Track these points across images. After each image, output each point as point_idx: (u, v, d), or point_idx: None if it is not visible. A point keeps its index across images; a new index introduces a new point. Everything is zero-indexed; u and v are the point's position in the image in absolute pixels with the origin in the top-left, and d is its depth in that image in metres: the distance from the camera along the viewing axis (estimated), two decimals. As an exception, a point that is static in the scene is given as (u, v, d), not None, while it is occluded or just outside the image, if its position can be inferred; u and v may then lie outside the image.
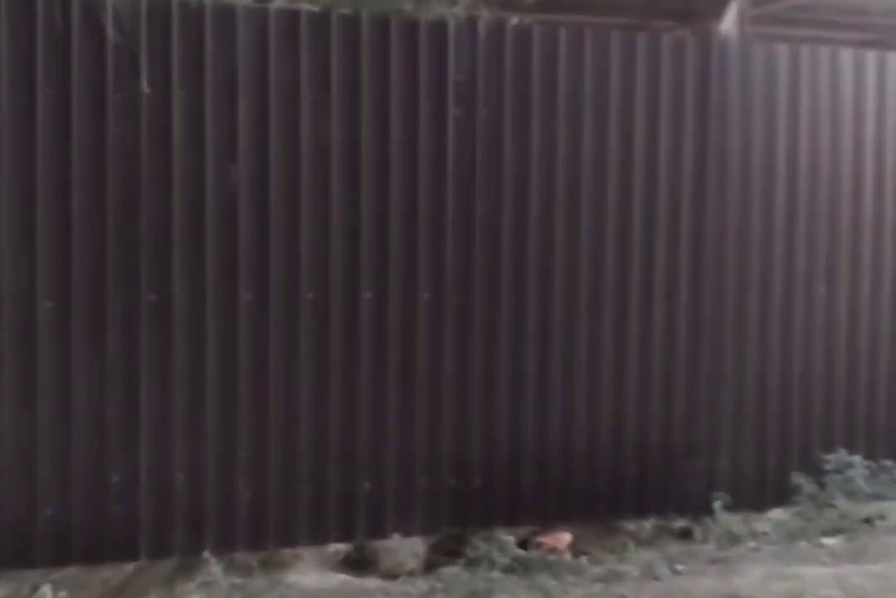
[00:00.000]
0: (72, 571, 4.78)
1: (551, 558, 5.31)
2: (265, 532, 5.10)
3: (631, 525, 5.74)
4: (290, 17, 5.16)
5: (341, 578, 5.05)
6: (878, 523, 5.72)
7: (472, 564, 5.19)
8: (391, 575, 5.14)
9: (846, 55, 6.42)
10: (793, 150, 6.23)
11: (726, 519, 5.72)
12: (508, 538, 5.34)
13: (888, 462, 6.15)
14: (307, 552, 5.12)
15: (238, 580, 4.81)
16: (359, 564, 5.21)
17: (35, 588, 4.61)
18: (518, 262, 5.61)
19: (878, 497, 5.95)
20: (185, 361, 5.00)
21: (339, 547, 5.24)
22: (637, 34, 5.98)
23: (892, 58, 6.60)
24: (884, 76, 6.46)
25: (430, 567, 5.21)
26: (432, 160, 5.43)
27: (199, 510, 4.99)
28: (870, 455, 6.16)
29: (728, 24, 6.04)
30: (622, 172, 5.83)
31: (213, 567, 4.81)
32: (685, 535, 5.78)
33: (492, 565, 5.16)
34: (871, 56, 6.51)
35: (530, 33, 5.65)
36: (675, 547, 5.54)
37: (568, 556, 5.38)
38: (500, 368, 5.58)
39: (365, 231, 5.31)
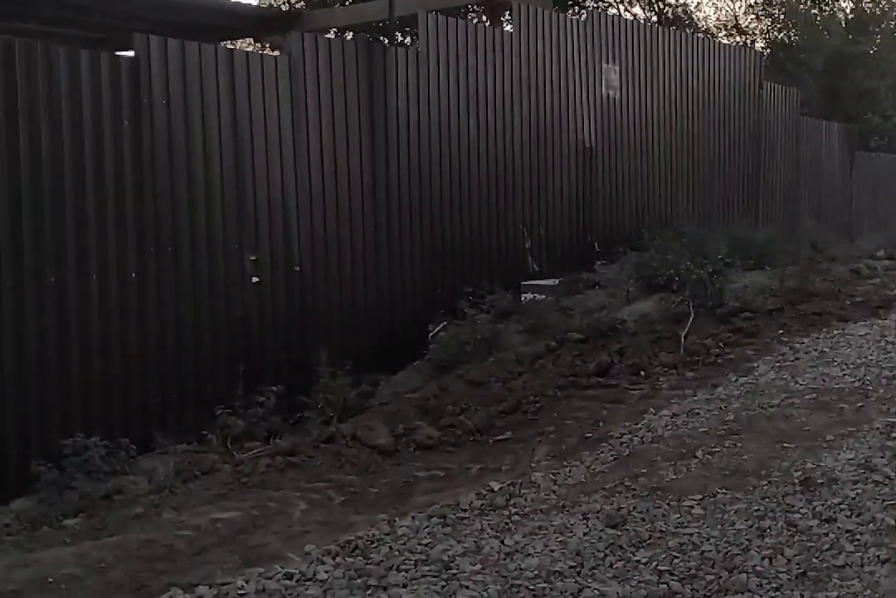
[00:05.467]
0: None
1: None
2: None
3: None
4: None
5: None
6: (116, 498, 6.12)
7: None
8: None
9: (60, 51, 6.66)
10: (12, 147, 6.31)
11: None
12: None
13: (125, 440, 6.56)
14: None
15: None
16: None
17: None
18: None
19: (116, 474, 6.34)
20: None
21: None
22: None
23: (106, 57, 7.01)
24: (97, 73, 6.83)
25: None
26: None
27: None
28: (108, 435, 6.52)
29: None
30: None
31: None
32: (-77, 540, 5.58)
33: None
34: (85, 54, 6.85)
35: None
36: (-88, 555, 5.32)
37: None
38: None
39: None
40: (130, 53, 7.34)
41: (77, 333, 6.66)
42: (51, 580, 4.78)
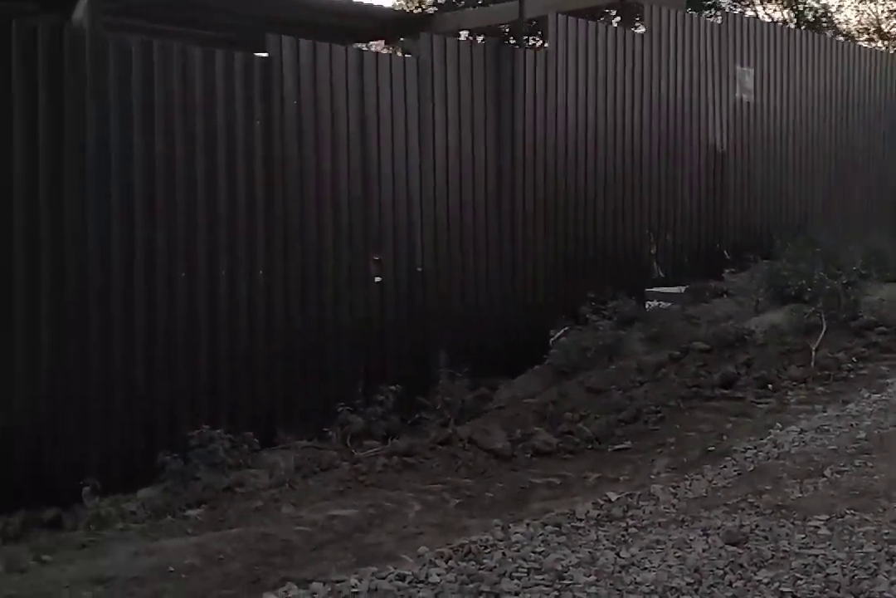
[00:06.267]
0: None
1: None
2: None
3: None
4: None
5: None
6: (238, 490, 6.24)
7: None
8: None
9: (196, 51, 6.84)
10: (149, 144, 6.51)
11: (96, 503, 5.84)
12: None
13: (248, 433, 6.68)
14: None
15: None
16: None
17: None
18: None
19: (239, 467, 6.47)
20: None
21: None
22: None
23: (240, 57, 7.18)
24: (231, 73, 6.99)
25: None
26: None
27: None
28: (232, 429, 6.66)
29: (81, 12, 6.08)
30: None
31: None
32: (55, 524, 5.81)
33: None
34: (219, 54, 7.02)
35: None
36: (44, 538, 5.54)
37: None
38: None
39: None
40: (263, 54, 7.50)
41: (206, 329, 6.83)
42: (172, 569, 4.90)
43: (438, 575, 4.41)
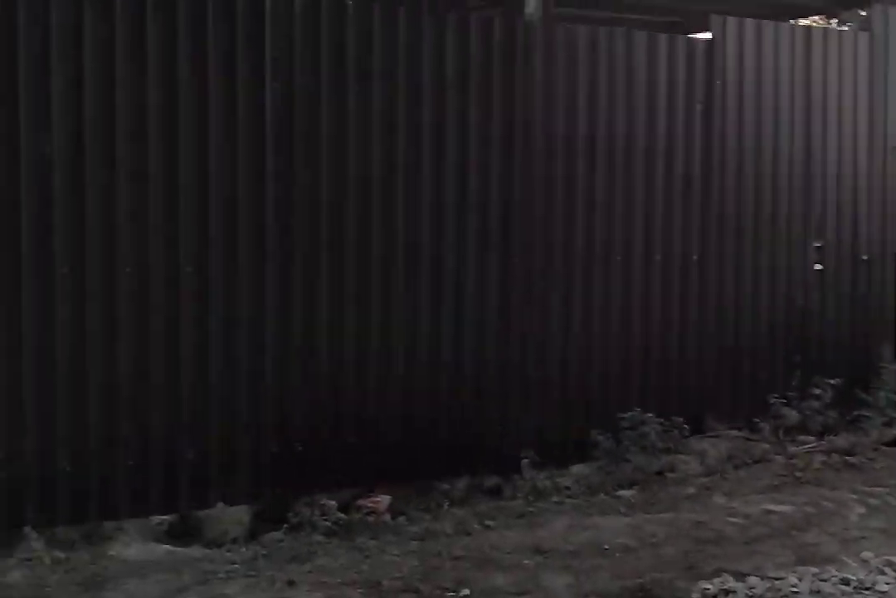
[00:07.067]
0: None
1: (371, 520, 5.56)
2: (86, 506, 5.13)
3: (445, 485, 6.05)
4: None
5: (165, 548, 5.14)
6: (668, 475, 6.27)
7: (294, 529, 5.38)
8: (216, 544, 5.25)
9: (640, 37, 6.88)
10: (591, 128, 6.66)
11: (533, 476, 6.12)
12: (330, 502, 5.55)
13: (678, 419, 6.67)
14: (130, 524, 5.17)
15: (60, 555, 4.82)
16: (183, 533, 5.30)
17: None
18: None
19: (668, 451, 6.49)
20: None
21: (162, 518, 5.31)
22: (448, 13, 6.23)
23: (683, 40, 7.12)
24: (674, 56, 6.95)
25: (254, 535, 5.37)
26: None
27: (19, 484, 4.97)
28: (662, 413, 6.68)
29: (533, 4, 6.35)
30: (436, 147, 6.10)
31: (34, 542, 4.80)
32: (495, 492, 6.16)
33: (314, 529, 5.36)
34: (662, 38, 7.01)
35: (345, 9, 5.78)
36: (486, 504, 5.90)
37: (387, 517, 5.64)
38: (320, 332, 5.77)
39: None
40: (705, 35, 7.39)
41: (638, 314, 6.86)
42: (606, 547, 5.04)
43: (887, 584, 4.17)
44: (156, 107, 5.25)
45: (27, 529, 4.86)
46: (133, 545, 5.06)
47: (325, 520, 5.42)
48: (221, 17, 5.39)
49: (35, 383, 5.01)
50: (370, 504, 5.73)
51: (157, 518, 5.31)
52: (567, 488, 6.11)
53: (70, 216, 5.07)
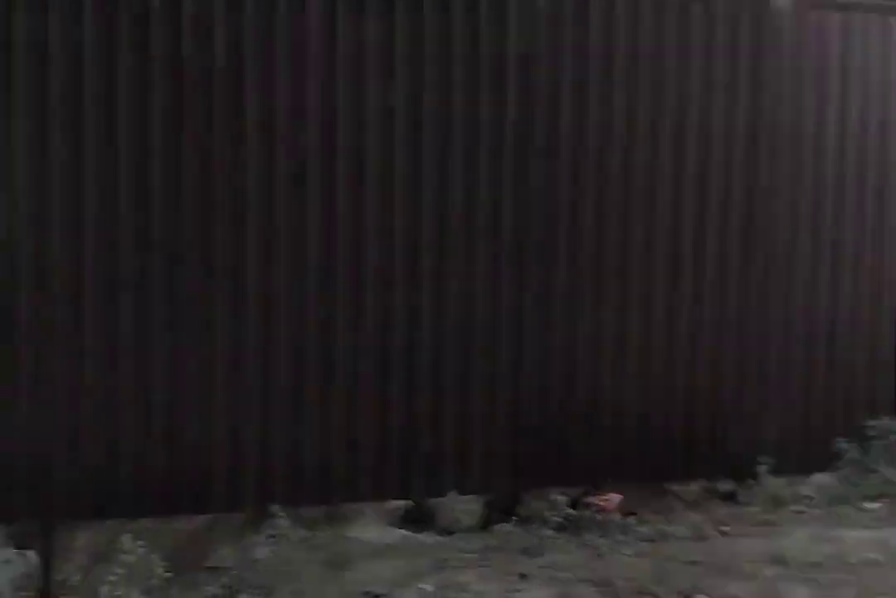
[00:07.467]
0: (147, 522, 5.01)
1: (600, 518, 5.51)
2: (330, 488, 5.34)
3: (678, 487, 5.92)
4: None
5: (400, 533, 5.29)
6: (919, 489, 5.89)
7: (524, 522, 5.42)
8: (448, 531, 5.37)
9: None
10: (843, 118, 6.32)
11: (771, 483, 5.89)
12: (561, 497, 5.54)
13: (931, 430, 6.26)
14: (369, 508, 5.35)
15: (304, 533, 5.04)
16: (417, 520, 5.44)
17: (114, 538, 4.84)
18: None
19: (919, 464, 6.10)
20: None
21: (398, 504, 5.46)
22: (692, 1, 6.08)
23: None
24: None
25: (485, 524, 5.44)
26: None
27: (269, 465, 5.24)
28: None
29: (780, -2, 6.10)
30: (676, 139, 5.96)
31: (281, 521, 5.04)
32: (730, 497, 5.97)
33: (544, 523, 5.38)
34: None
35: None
36: (721, 509, 5.75)
37: (617, 516, 5.57)
38: (554, 334, 5.77)
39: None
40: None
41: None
42: (852, 560, 4.80)
43: None
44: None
45: (275, 507, 5.11)
46: (371, 528, 5.24)
47: (555, 514, 5.42)
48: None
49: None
50: (600, 502, 5.67)
51: (393, 503, 5.47)
52: (808, 497, 5.85)
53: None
